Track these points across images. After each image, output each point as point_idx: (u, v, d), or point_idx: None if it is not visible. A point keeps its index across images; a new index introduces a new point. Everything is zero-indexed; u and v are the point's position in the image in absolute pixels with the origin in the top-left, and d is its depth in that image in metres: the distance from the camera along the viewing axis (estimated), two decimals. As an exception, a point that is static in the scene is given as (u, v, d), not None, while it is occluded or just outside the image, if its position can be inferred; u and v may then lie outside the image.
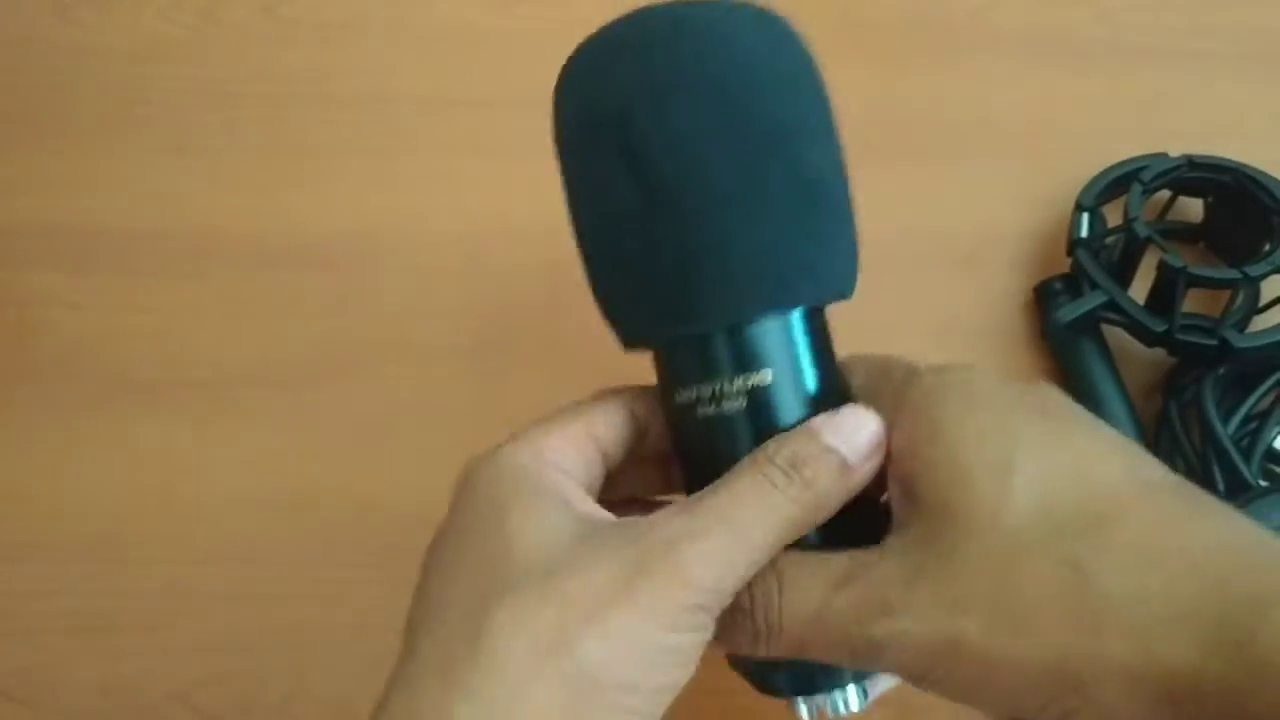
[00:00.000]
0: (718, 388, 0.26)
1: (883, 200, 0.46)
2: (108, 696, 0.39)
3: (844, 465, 0.25)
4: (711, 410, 0.26)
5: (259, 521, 0.40)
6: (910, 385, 0.26)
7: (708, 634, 0.24)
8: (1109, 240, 0.42)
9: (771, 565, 0.25)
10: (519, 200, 0.46)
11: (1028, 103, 0.48)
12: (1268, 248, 0.41)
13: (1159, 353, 0.41)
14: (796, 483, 0.24)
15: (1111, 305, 0.41)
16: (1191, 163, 0.43)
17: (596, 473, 0.28)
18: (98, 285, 0.44)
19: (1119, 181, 0.43)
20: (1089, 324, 0.42)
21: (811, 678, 0.28)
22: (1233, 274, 0.39)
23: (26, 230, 0.45)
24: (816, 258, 0.27)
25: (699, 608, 0.23)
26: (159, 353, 0.43)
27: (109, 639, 0.39)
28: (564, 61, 0.28)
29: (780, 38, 0.27)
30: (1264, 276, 0.39)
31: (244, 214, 0.45)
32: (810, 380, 0.27)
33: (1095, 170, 0.44)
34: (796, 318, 0.27)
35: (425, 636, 0.23)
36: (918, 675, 0.23)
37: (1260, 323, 0.41)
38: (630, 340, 0.28)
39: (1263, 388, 0.41)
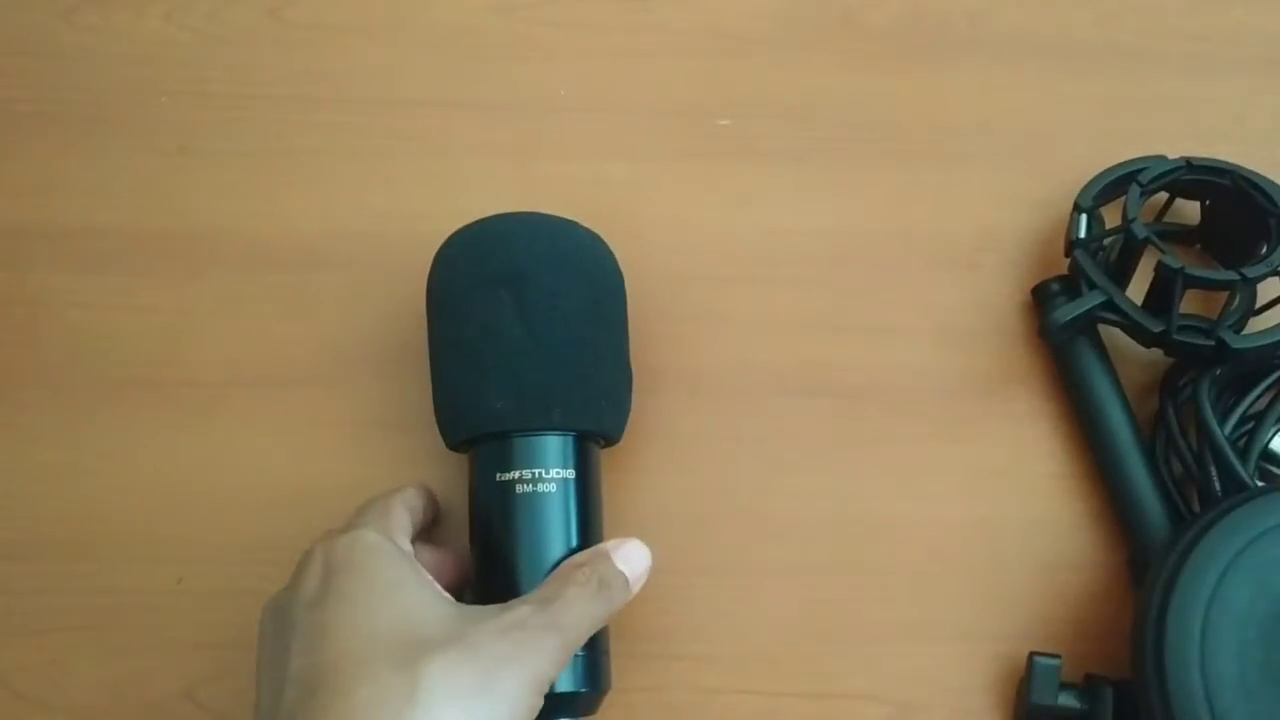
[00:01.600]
0: (539, 472, 0.35)
1: (882, 201, 0.47)
2: (113, 693, 0.39)
3: (628, 585, 0.34)
4: (529, 489, 0.35)
5: (262, 520, 0.41)
6: None
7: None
8: (1107, 241, 0.43)
9: None
10: (519, 202, 0.46)
11: (1026, 105, 0.48)
12: (1265, 250, 0.41)
13: (1156, 353, 0.41)
14: (604, 596, 0.33)
15: (1109, 305, 0.41)
16: (1189, 165, 0.43)
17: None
18: (103, 285, 0.45)
19: (1117, 183, 0.44)
20: (1086, 324, 0.42)
21: None
22: (1230, 275, 0.39)
23: (33, 230, 0.46)
24: (623, 403, 0.38)
25: (545, 681, 0.31)
26: (164, 352, 0.43)
27: (114, 636, 0.40)
28: (455, 231, 0.38)
29: (609, 254, 0.39)
30: (1261, 278, 0.40)
31: (248, 215, 0.46)
32: (596, 485, 0.37)
33: (1094, 172, 0.44)
34: (595, 442, 0.37)
35: (354, 681, 0.28)
36: None
37: (1257, 324, 0.42)
38: (483, 429, 0.36)
39: (1259, 388, 0.41)
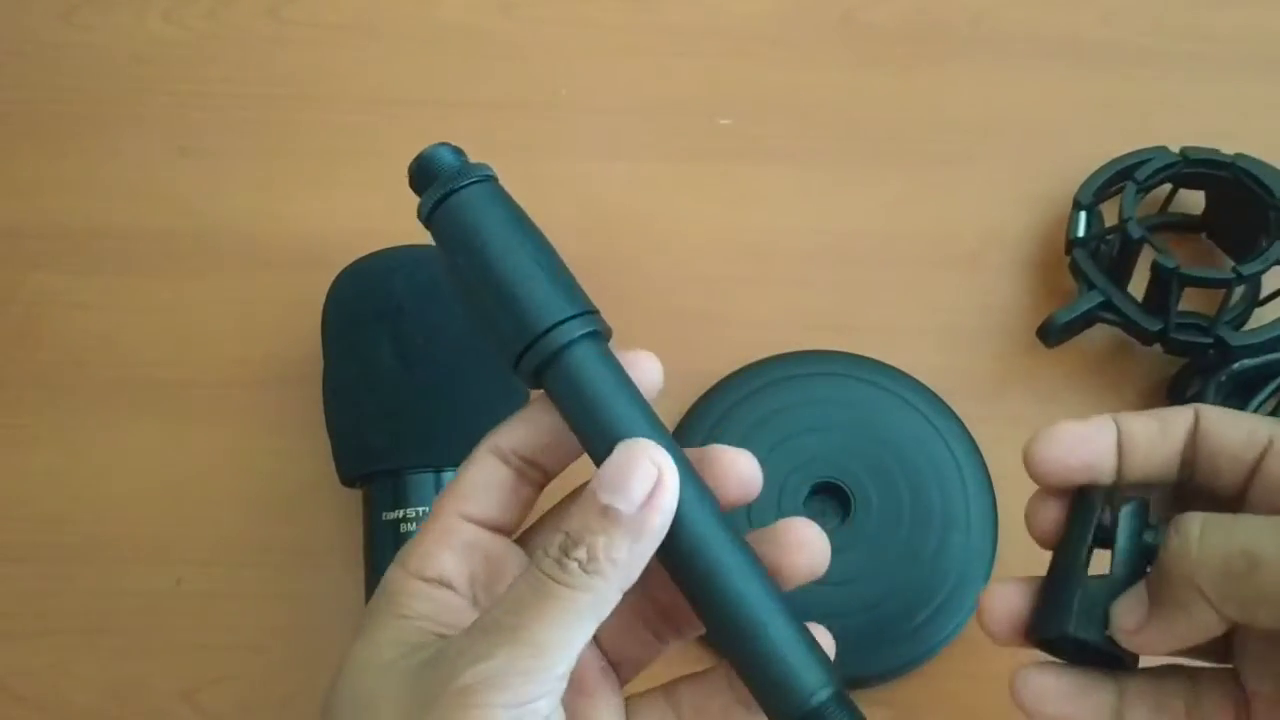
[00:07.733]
0: (424, 510, 0.34)
1: (882, 201, 0.47)
2: (113, 696, 0.39)
3: (625, 519, 0.22)
4: (414, 528, 0.34)
5: (263, 521, 0.41)
6: None
7: None
8: (1109, 238, 0.42)
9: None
10: (520, 201, 0.46)
11: (1028, 104, 0.48)
12: (1264, 243, 0.41)
13: (1161, 352, 0.41)
14: (572, 566, 0.22)
15: (1108, 305, 0.41)
16: (1187, 158, 0.43)
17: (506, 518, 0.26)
18: (102, 285, 0.45)
19: (1118, 177, 0.43)
20: (1089, 324, 0.42)
21: None
22: (1225, 274, 0.39)
23: (32, 231, 0.45)
24: None
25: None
26: (163, 352, 0.43)
27: (114, 639, 0.40)
28: (345, 267, 0.38)
29: None
30: (1257, 274, 0.39)
31: (247, 214, 0.46)
32: None
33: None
34: None
35: None
36: None
37: (1260, 317, 0.41)
38: (364, 469, 0.36)
39: (1263, 393, 0.40)
